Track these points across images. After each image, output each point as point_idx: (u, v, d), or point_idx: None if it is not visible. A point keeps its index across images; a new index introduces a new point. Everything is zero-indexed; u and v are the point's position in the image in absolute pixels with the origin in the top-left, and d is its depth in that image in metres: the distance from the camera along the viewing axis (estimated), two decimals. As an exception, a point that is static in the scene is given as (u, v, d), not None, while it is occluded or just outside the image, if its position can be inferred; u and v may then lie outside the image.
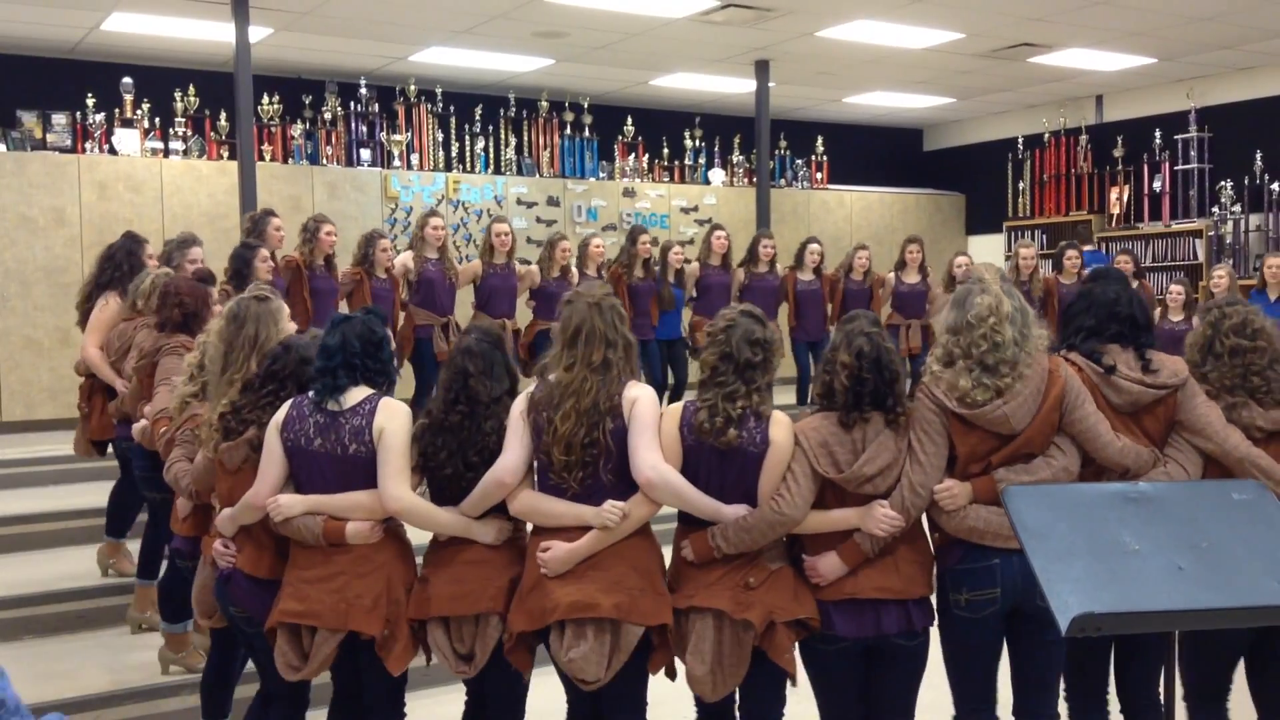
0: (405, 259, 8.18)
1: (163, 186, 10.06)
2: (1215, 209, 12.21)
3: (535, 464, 3.43)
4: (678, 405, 3.42)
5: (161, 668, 4.96)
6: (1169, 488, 2.86)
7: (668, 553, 3.49)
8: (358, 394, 3.52)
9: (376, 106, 11.36)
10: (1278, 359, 3.53)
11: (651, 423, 3.33)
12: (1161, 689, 3.02)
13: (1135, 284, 8.99)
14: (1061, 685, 3.54)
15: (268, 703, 3.78)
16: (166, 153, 10.29)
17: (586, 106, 12.41)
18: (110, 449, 5.98)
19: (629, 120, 12.70)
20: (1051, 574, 2.36)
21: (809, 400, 3.75)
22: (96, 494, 6.96)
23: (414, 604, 3.49)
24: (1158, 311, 8.97)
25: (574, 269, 8.76)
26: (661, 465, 3.30)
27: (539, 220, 11.80)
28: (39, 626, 5.54)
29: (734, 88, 12.29)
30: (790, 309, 9.56)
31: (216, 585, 3.74)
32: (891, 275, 9.88)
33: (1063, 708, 3.58)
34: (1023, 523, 2.50)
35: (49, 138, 9.95)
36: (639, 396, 3.36)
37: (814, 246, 9.62)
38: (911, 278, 9.79)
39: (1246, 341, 3.53)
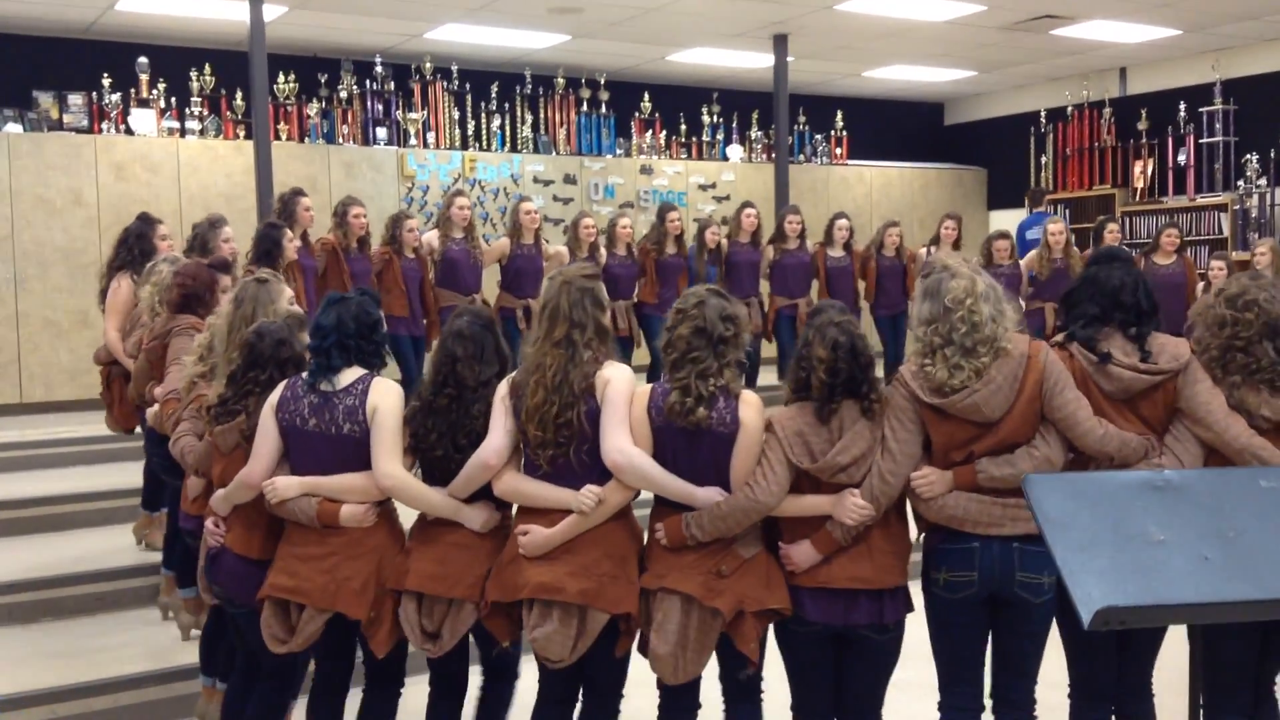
0: (431, 238, 8.18)
1: (179, 167, 10.05)
2: (1241, 182, 12.04)
3: (521, 444, 3.45)
4: (646, 387, 3.41)
5: (182, 635, 5.02)
6: (1195, 475, 2.78)
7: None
8: (351, 374, 3.55)
9: (392, 85, 11.32)
10: (1268, 335, 3.32)
11: (622, 405, 3.32)
12: (1185, 689, 2.94)
13: (1175, 258, 8.92)
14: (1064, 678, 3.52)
15: (248, 682, 3.81)
16: (183, 133, 10.28)
17: (603, 83, 12.32)
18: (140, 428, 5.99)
19: (646, 96, 12.61)
20: (1074, 565, 2.30)
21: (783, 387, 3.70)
22: (117, 475, 7.01)
23: (393, 575, 3.53)
24: (1200, 287, 8.83)
25: (602, 249, 8.71)
26: (629, 448, 3.29)
27: (556, 199, 11.74)
28: (58, 609, 5.55)
29: (752, 62, 12.17)
30: (821, 286, 9.47)
31: (205, 564, 3.79)
32: (923, 251, 9.75)
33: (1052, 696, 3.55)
34: (1044, 512, 2.44)
35: (65, 118, 9.96)
36: (612, 378, 3.35)
37: (842, 222, 9.52)
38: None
39: (1233, 311, 3.37)
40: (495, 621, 3.41)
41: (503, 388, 3.45)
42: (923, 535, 3.42)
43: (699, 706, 3.49)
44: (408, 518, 3.71)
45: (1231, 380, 3.35)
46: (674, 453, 3.32)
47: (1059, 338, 3.48)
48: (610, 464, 3.30)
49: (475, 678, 3.83)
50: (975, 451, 3.27)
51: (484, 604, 3.40)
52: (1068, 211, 13.41)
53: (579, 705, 3.56)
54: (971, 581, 3.27)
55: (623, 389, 3.33)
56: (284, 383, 3.61)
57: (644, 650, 3.44)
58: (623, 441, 3.29)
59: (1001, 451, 3.26)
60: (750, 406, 3.31)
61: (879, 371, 3.52)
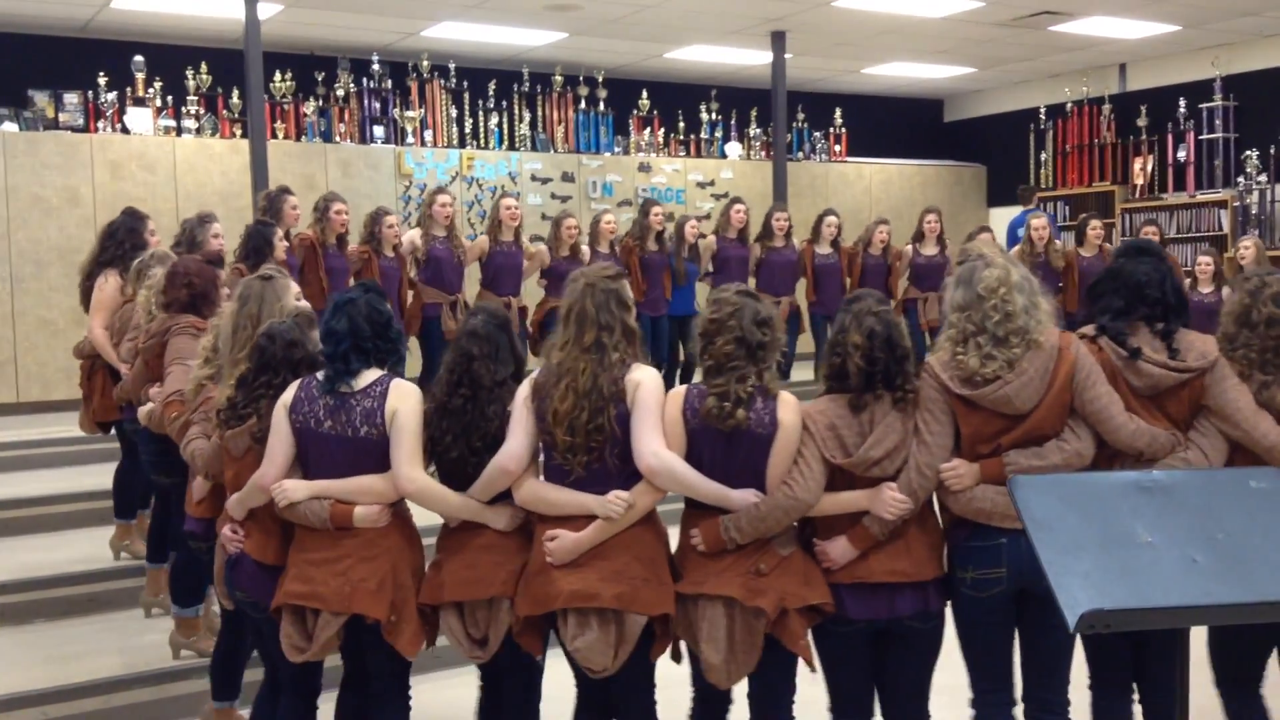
0: (413, 236, 8.14)
1: (175, 165, 10.03)
2: (1241, 179, 12.00)
3: (541, 447, 3.40)
4: (680, 389, 3.35)
5: (172, 653, 4.95)
6: (1184, 476, 2.74)
7: (676, 534, 3.44)
8: (368, 376, 3.48)
9: (389, 83, 11.29)
10: None
11: (655, 407, 3.27)
12: (1178, 685, 2.92)
13: (1160, 256, 8.89)
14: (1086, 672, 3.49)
15: (276, 690, 3.75)
16: (179, 131, 10.26)
17: (601, 80, 12.29)
18: (113, 429, 5.96)
19: (644, 94, 12.58)
20: (1059, 567, 2.26)
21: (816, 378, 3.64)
22: (111, 475, 6.96)
23: (427, 590, 3.48)
24: (1186, 283, 8.82)
25: (584, 247, 8.68)
26: (663, 452, 3.24)
27: (554, 196, 11.71)
28: (50, 609, 5.53)
29: (750, 59, 12.14)
30: (808, 283, 9.46)
31: (225, 569, 3.73)
32: (909, 248, 9.75)
33: (1086, 696, 3.52)
34: (1030, 513, 2.41)
35: (61, 117, 9.93)
36: (642, 380, 3.29)
37: (830, 219, 9.50)
38: (929, 249, 9.65)
39: None
40: (527, 637, 3.36)
41: (524, 390, 3.39)
42: (947, 532, 3.37)
43: (731, 701, 3.46)
44: (421, 519, 3.66)
45: (1263, 379, 3.34)
46: (710, 455, 3.28)
47: (1088, 330, 3.44)
48: (644, 468, 3.24)
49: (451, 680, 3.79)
50: (1003, 444, 3.24)
51: (515, 619, 3.35)
52: (1067, 208, 13.39)
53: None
54: (1000, 578, 3.23)
55: (654, 392, 3.29)
56: (296, 383, 3.53)
57: (676, 656, 3.40)
58: (657, 445, 3.24)
59: (1029, 444, 3.23)
60: (788, 407, 3.27)
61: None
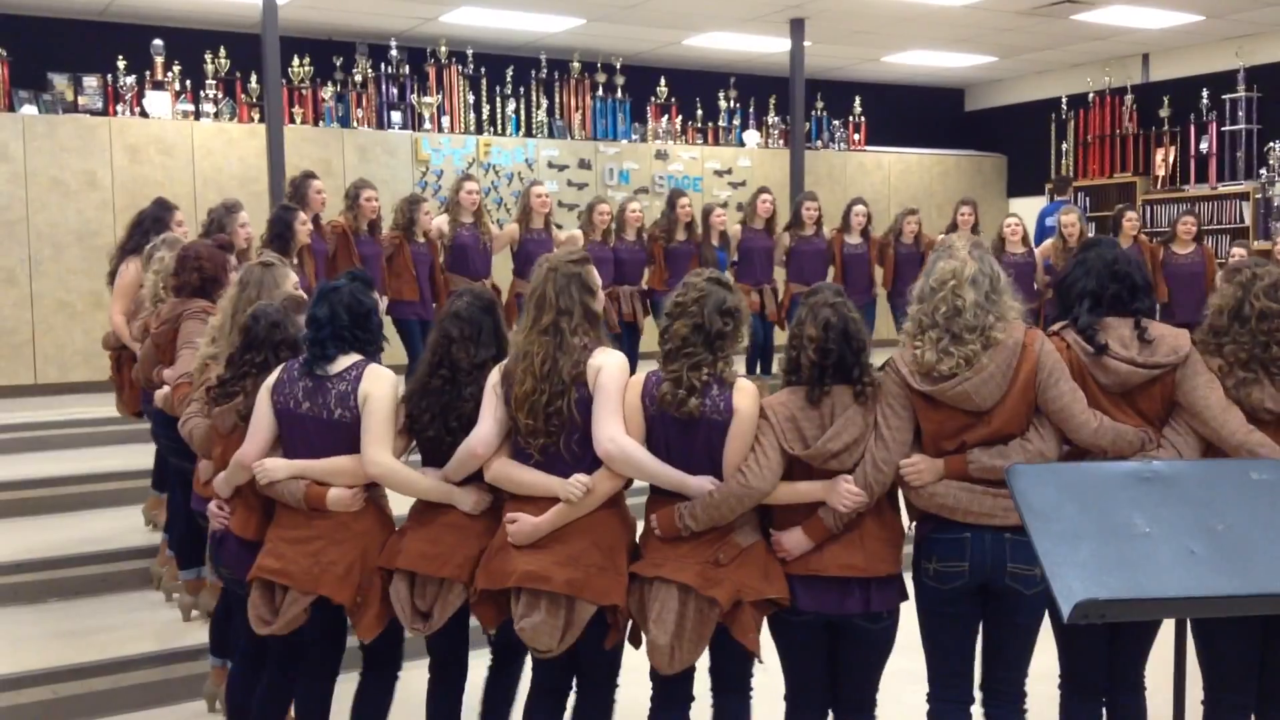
0: (440, 223, 8.18)
1: (193, 150, 10.07)
2: (1263, 171, 11.89)
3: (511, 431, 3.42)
4: (640, 375, 3.37)
5: (183, 615, 5.06)
6: (1185, 467, 2.72)
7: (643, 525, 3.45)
8: (345, 360, 3.57)
9: (407, 68, 11.30)
10: None
11: (615, 393, 3.28)
12: (1174, 683, 2.89)
13: (1194, 247, 8.81)
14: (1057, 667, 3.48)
15: (254, 668, 3.81)
16: (197, 115, 10.29)
17: (619, 67, 12.26)
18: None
19: (662, 81, 12.54)
20: (1055, 557, 2.25)
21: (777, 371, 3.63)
22: (128, 456, 7.03)
23: (385, 554, 3.54)
24: (1219, 276, 8.69)
25: (613, 234, 8.70)
26: (621, 437, 3.25)
27: (570, 184, 11.71)
28: (63, 589, 5.57)
29: (769, 47, 12.09)
30: (837, 272, 9.42)
31: (210, 546, 3.79)
32: (942, 238, 9.67)
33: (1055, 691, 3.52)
34: (1027, 503, 2.39)
35: (80, 100, 9.97)
36: (603, 365, 3.30)
37: (859, 208, 9.47)
38: (962, 241, 9.58)
39: (1277, 305, 3.30)
40: (482, 609, 3.40)
41: (494, 375, 3.42)
42: (914, 525, 3.37)
43: (692, 699, 3.45)
44: (400, 506, 3.69)
45: (1243, 375, 3.28)
46: (668, 441, 3.29)
47: (1055, 326, 3.41)
48: (602, 453, 3.26)
49: (477, 661, 3.82)
50: (967, 441, 3.22)
51: (473, 590, 3.38)
52: (1088, 199, 13.29)
53: (572, 694, 3.54)
54: (962, 572, 3.23)
55: (615, 377, 3.29)
56: (281, 365, 3.63)
57: (635, 641, 3.42)
58: (615, 430, 3.25)
59: (994, 442, 3.20)
60: (745, 394, 3.26)
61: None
